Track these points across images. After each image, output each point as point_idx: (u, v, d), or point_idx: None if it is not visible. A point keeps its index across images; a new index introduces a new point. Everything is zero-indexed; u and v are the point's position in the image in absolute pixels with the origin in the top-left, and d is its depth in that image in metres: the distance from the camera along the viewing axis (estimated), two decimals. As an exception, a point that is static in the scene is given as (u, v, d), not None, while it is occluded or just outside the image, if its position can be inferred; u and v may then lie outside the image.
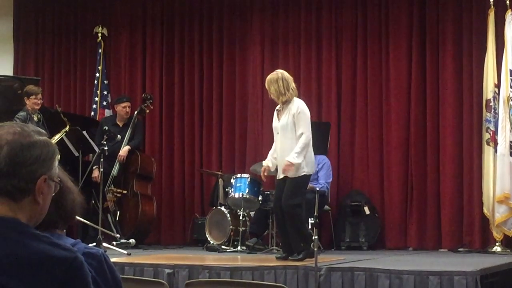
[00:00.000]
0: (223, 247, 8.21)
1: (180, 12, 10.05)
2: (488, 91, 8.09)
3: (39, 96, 8.58)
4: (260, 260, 6.85)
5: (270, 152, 7.06)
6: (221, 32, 9.80)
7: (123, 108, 9.21)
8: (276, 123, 6.91)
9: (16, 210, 1.83)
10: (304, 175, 6.78)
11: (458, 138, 8.59)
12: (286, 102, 6.83)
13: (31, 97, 8.45)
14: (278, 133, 6.86)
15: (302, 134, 6.70)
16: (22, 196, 1.83)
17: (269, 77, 6.95)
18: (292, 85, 6.86)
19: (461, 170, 8.52)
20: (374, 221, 8.72)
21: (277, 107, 6.97)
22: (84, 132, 8.85)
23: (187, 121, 9.85)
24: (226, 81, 9.71)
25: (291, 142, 6.74)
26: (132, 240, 8.27)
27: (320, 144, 7.86)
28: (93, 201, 8.74)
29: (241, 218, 8.18)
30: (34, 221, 1.88)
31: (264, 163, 7.09)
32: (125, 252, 7.60)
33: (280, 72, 6.93)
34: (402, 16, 8.94)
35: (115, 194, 8.96)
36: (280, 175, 6.83)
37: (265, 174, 7.04)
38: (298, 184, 6.77)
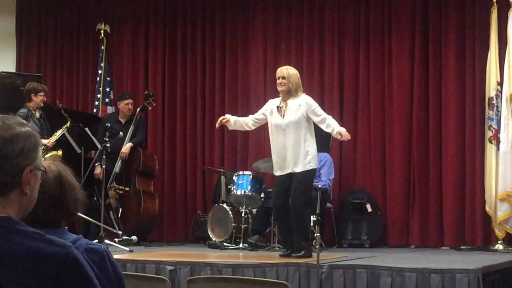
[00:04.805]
0: (225, 244, 8.21)
1: (183, 10, 10.05)
2: (491, 89, 8.08)
3: (46, 92, 8.63)
4: (262, 257, 6.86)
5: (242, 118, 7.16)
6: (223, 29, 9.80)
7: (125, 105, 9.22)
8: (278, 120, 6.88)
9: (5, 205, 1.81)
10: (312, 169, 6.84)
11: (461, 136, 8.58)
12: (291, 98, 6.85)
13: (39, 94, 8.46)
14: (282, 129, 6.85)
15: (326, 115, 6.83)
16: (9, 190, 1.81)
17: (289, 67, 7.04)
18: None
19: (464, 168, 8.52)
20: (376, 218, 8.72)
21: (278, 104, 6.95)
22: (87, 129, 8.85)
23: (189, 118, 9.85)
24: (229, 78, 9.71)
25: (301, 136, 6.78)
26: (134, 237, 8.27)
27: (322, 141, 7.86)
28: (95, 198, 8.75)
29: (243, 215, 8.19)
30: (23, 211, 1.87)
31: (228, 115, 7.18)
32: (127, 249, 7.61)
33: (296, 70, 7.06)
34: (404, 14, 8.93)
35: (117, 191, 8.97)
36: (286, 171, 6.83)
37: (220, 122, 7.08)
38: (308, 178, 6.83)
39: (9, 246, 1.74)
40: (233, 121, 7.10)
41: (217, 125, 7.25)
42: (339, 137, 6.80)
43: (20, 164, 1.81)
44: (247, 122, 7.14)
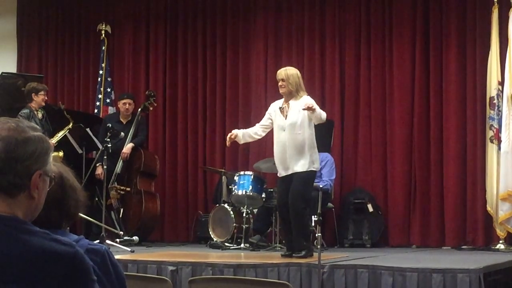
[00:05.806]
0: (226, 244, 8.21)
1: (184, 10, 10.05)
2: (492, 88, 8.08)
3: (46, 91, 8.64)
4: (264, 258, 6.86)
5: (250, 129, 7.12)
6: (224, 30, 9.81)
7: (123, 104, 9.21)
8: (281, 121, 6.90)
9: (13, 206, 1.83)
10: (313, 170, 6.85)
11: (462, 136, 8.58)
12: (293, 99, 6.86)
13: (39, 93, 8.47)
14: (284, 130, 6.86)
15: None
16: (17, 191, 1.83)
17: (288, 68, 7.04)
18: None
19: (465, 167, 8.52)
20: (377, 218, 8.71)
21: (280, 105, 6.97)
22: (88, 130, 8.86)
23: (191, 118, 9.86)
24: (230, 78, 9.71)
25: (303, 137, 6.78)
26: (135, 237, 8.28)
27: (323, 141, 7.86)
28: (96, 199, 8.76)
29: (244, 215, 8.18)
30: (30, 216, 1.89)
31: (235, 131, 7.12)
32: (129, 249, 7.61)
33: (297, 70, 7.03)
34: (405, 13, 8.93)
35: (119, 191, 8.97)
36: (288, 172, 6.83)
37: (230, 139, 7.03)
38: (308, 179, 6.83)
39: (19, 245, 1.76)
40: (241, 134, 7.08)
41: (227, 143, 7.21)
42: (308, 112, 6.62)
43: (31, 167, 1.84)
44: (256, 131, 7.12)
